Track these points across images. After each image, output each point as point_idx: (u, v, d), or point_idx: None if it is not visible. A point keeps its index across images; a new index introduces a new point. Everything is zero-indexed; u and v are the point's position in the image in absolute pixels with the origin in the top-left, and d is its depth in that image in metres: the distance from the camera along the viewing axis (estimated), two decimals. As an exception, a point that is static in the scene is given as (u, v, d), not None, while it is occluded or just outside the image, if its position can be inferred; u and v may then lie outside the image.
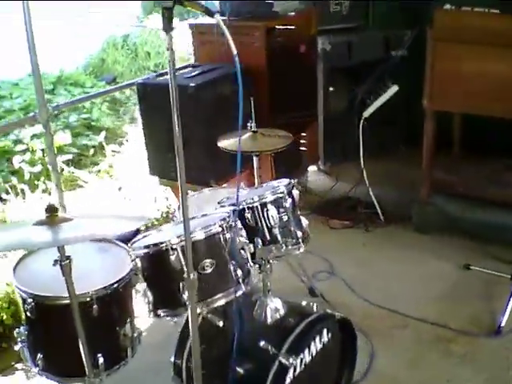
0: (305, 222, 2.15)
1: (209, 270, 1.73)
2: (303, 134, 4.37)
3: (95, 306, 1.77)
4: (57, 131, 4.11)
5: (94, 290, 1.76)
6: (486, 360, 2.50)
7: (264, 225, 1.98)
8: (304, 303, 2.08)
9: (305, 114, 4.17)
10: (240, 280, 1.78)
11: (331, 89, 4.39)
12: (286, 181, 2.15)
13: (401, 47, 4.23)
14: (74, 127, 4.30)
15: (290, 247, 2.00)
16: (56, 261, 1.56)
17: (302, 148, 4.41)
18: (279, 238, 1.98)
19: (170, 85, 1.47)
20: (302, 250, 2.04)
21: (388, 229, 3.65)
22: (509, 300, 2.72)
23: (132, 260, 1.77)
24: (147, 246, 1.75)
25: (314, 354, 1.97)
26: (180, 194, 1.51)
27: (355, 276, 3.17)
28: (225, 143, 2.60)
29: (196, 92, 3.03)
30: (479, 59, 3.02)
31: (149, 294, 1.79)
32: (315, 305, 2.06)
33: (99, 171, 3.84)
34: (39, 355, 1.80)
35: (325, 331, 2.00)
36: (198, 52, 3.75)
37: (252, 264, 1.86)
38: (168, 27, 1.36)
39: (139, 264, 1.77)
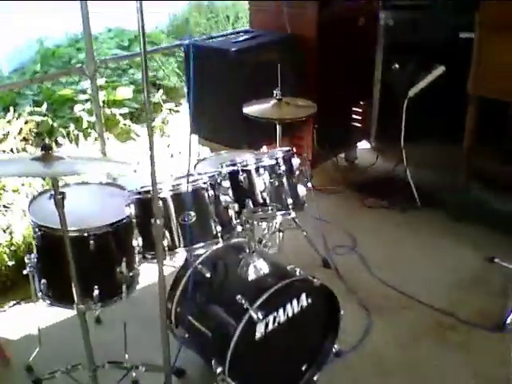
0: (302, 190, 2.23)
1: (190, 221, 1.87)
2: (357, 110, 4.37)
3: (92, 242, 1.98)
4: (121, 85, 4.38)
5: (90, 226, 1.97)
6: (481, 353, 2.48)
7: (256, 188, 2.08)
8: (289, 267, 2.16)
9: (359, 89, 4.15)
10: (219, 235, 1.91)
11: (396, 66, 4.30)
12: (285, 149, 2.24)
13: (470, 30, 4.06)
14: (139, 83, 4.56)
15: (276, 212, 2.08)
16: (51, 195, 1.76)
17: (354, 123, 4.41)
18: (268, 201, 2.07)
19: (141, 51, 1.53)
20: (291, 215, 2.13)
21: (423, 212, 3.61)
22: (521, 298, 2.66)
23: (126, 205, 1.95)
24: (139, 193, 1.91)
25: (290, 315, 2.06)
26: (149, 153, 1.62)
27: (375, 255, 3.20)
28: (249, 109, 2.70)
29: (236, 56, 3.13)
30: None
31: (139, 238, 1.96)
32: (298, 270, 2.13)
33: (153, 127, 4.07)
34: (43, 281, 2.04)
35: (303, 295, 2.08)
36: (253, 18, 3.83)
37: (236, 222, 1.97)
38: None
39: (132, 209, 1.94)
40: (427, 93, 3.78)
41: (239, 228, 2.00)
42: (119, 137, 3.89)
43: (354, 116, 4.38)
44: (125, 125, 3.96)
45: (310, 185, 3.87)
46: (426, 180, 3.83)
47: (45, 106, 3.64)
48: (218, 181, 1.96)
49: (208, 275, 2.14)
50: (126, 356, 2.20)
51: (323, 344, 2.28)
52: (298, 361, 2.26)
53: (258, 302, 1.95)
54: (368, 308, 2.74)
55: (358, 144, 4.48)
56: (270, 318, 2.00)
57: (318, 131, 3.84)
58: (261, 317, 1.91)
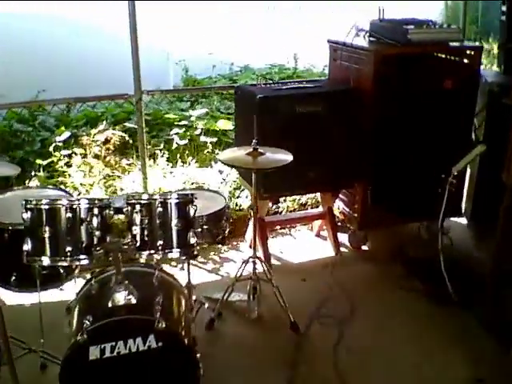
0: (192, 239, 2.23)
1: (46, 235, 2.11)
2: (451, 180, 3.85)
3: (6, 235, 2.37)
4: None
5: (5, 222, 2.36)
6: None
7: (133, 223, 2.19)
8: (156, 307, 2.16)
9: (448, 157, 3.67)
10: (68, 254, 2.11)
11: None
12: (187, 193, 2.29)
13: None
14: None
15: (139, 250, 2.17)
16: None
17: (443, 193, 3.90)
18: (137, 237, 2.17)
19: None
20: (156, 257, 2.19)
21: (453, 310, 3.05)
22: None
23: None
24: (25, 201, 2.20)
25: (134, 351, 2.10)
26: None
27: (357, 338, 2.88)
28: (224, 156, 2.77)
29: (262, 103, 3.16)
30: None
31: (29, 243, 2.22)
32: (159, 312, 2.14)
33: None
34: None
35: (151, 337, 2.11)
36: (330, 68, 3.77)
37: (95, 248, 2.13)
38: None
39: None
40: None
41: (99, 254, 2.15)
42: (200, 162, 4.24)
43: (447, 186, 3.89)
44: (209, 152, 4.29)
45: (365, 247, 3.75)
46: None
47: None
48: (91, 207, 2.15)
49: (93, 292, 2.33)
50: (42, 341, 2.52)
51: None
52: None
53: (92, 326, 2.07)
54: (291, 385, 2.53)
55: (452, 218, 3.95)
56: (107, 345, 2.09)
57: (375, 193, 3.57)
58: (81, 340, 2.03)
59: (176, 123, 4.51)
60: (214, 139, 4.39)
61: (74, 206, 2.14)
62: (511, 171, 2.55)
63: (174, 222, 2.21)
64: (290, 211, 4.12)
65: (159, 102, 4.85)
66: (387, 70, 3.32)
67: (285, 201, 4.12)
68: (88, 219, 2.13)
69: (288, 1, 9.53)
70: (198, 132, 4.47)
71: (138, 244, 2.18)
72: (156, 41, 7.04)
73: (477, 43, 6.78)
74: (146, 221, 2.16)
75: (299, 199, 4.17)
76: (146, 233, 2.18)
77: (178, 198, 2.23)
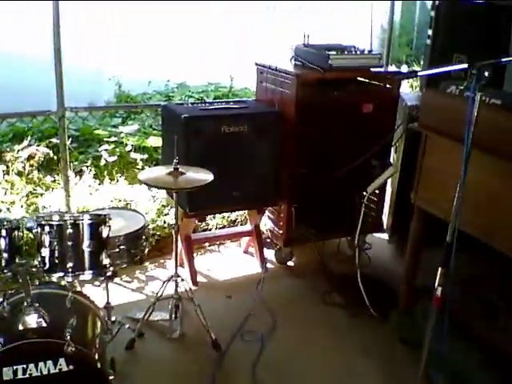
0: (106, 260, 2.23)
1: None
2: (372, 198, 4.02)
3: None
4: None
5: None
6: None
7: (42, 244, 2.17)
8: (67, 330, 2.14)
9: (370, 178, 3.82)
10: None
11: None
12: (100, 214, 2.28)
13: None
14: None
15: (41, 271, 2.15)
16: None
17: (365, 210, 4.05)
18: (46, 259, 2.15)
19: None
20: (67, 279, 2.17)
21: (371, 323, 3.18)
22: None
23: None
24: None
25: (45, 374, 2.08)
26: None
27: (277, 353, 2.94)
28: (144, 176, 2.77)
29: (186, 123, 3.20)
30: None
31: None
32: (69, 335, 2.12)
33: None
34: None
35: (62, 360, 2.09)
36: (257, 90, 3.86)
37: (2, 270, 2.10)
38: None
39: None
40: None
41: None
42: (130, 179, 4.22)
43: (368, 204, 4.05)
44: (139, 169, 4.28)
45: (291, 263, 3.84)
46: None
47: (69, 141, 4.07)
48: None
49: (5, 314, 2.27)
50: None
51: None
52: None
53: (2, 349, 2.04)
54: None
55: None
56: (19, 367, 2.06)
57: (299, 211, 3.66)
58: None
59: (106, 139, 4.48)
60: (145, 156, 4.39)
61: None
62: (418, 193, 2.68)
63: (86, 243, 2.21)
64: (220, 228, 4.17)
65: (91, 119, 4.80)
66: (310, 93, 3.43)
67: (214, 218, 4.16)
68: (-1, 241, 2.10)
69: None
70: (128, 148, 4.47)
71: (47, 266, 2.16)
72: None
73: (404, 67, 7.13)
74: (56, 242, 2.15)
75: (228, 216, 4.22)
76: (56, 255, 2.17)
77: (90, 219, 2.23)
